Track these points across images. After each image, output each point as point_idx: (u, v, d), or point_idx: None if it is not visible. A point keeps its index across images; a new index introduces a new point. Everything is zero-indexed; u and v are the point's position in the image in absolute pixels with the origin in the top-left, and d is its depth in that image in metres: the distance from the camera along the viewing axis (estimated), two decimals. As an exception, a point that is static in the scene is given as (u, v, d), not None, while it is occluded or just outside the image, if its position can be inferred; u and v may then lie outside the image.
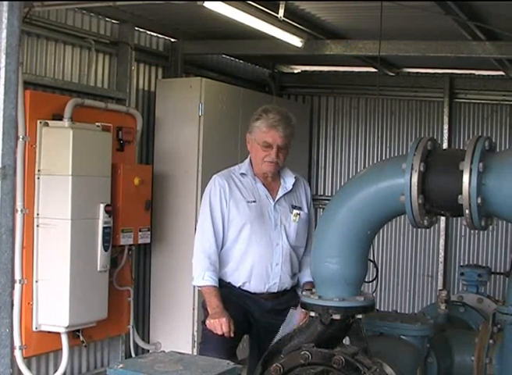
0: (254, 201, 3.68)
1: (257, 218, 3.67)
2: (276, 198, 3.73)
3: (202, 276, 3.60)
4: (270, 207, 3.71)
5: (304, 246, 3.80)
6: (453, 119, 7.35)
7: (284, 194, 3.75)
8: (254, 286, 3.66)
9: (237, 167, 3.81)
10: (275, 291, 3.69)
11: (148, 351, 5.87)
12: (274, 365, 2.75)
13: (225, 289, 3.66)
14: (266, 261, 3.65)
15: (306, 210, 3.81)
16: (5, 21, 1.97)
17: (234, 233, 3.66)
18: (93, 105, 5.19)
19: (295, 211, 3.74)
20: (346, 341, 2.86)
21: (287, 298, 3.72)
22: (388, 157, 7.47)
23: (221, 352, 3.35)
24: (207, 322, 3.54)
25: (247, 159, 3.80)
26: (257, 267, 3.64)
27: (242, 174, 3.74)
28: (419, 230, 7.21)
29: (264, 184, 3.74)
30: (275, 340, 3.01)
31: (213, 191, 3.69)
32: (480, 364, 3.41)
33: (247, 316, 3.71)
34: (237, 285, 3.68)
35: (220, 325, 3.46)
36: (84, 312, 4.85)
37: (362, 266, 2.81)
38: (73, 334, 4.92)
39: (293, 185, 3.78)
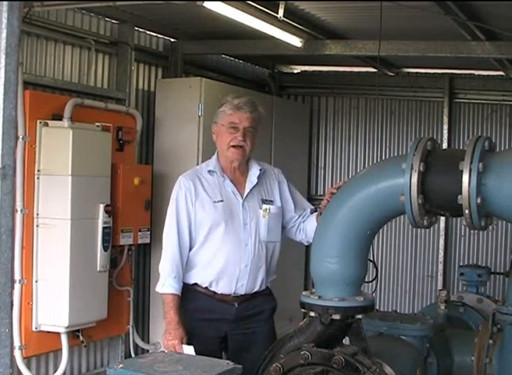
0: (222, 201, 3.57)
1: (224, 218, 3.55)
2: (244, 195, 3.61)
3: (163, 283, 3.57)
4: (238, 205, 3.60)
5: (279, 240, 3.69)
6: (452, 119, 7.35)
7: (252, 189, 3.63)
8: (222, 287, 3.56)
9: (204, 165, 3.73)
10: (243, 292, 3.57)
11: (148, 351, 5.87)
12: (274, 365, 2.75)
13: (191, 296, 3.58)
14: (235, 262, 3.54)
15: (278, 203, 3.68)
16: (4, 21, 1.97)
17: (202, 235, 3.56)
18: (93, 105, 5.19)
19: (264, 206, 3.61)
20: (346, 341, 2.86)
21: (256, 303, 3.63)
22: (388, 157, 7.48)
23: None
24: (162, 340, 3.51)
25: (214, 156, 3.72)
26: (226, 268, 3.53)
27: (209, 171, 3.65)
28: (419, 230, 7.21)
29: (232, 180, 3.63)
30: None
31: (179, 193, 3.59)
32: (480, 364, 3.41)
33: (219, 335, 3.61)
34: (204, 285, 3.57)
35: (173, 347, 3.44)
36: (84, 312, 4.85)
37: (362, 266, 2.81)
38: (73, 334, 4.91)
39: (260, 177, 3.66)
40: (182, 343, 3.47)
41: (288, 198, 3.75)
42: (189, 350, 3.42)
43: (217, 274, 3.55)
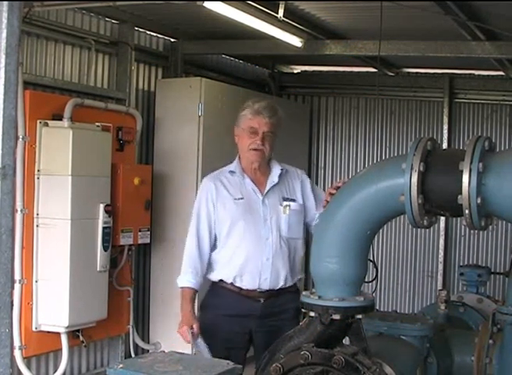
0: (242, 198, 3.71)
1: (245, 214, 3.69)
2: (264, 192, 3.73)
3: (181, 278, 3.73)
4: (258, 202, 3.72)
5: (302, 237, 3.80)
6: (452, 119, 7.35)
7: (273, 187, 3.75)
8: (246, 282, 3.66)
9: (227, 167, 3.85)
10: (267, 287, 3.66)
11: (148, 351, 5.87)
12: (274, 365, 2.75)
13: (217, 292, 3.71)
14: (257, 256, 3.65)
15: (300, 201, 3.78)
16: (4, 21, 1.97)
17: (224, 232, 3.70)
18: (93, 105, 5.19)
19: (285, 203, 3.72)
20: (346, 341, 2.86)
21: (283, 300, 3.69)
22: (388, 157, 7.47)
23: None
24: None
25: (236, 157, 3.85)
26: (249, 263, 3.65)
27: (231, 172, 3.78)
28: (419, 230, 7.21)
29: (252, 180, 3.76)
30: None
31: (202, 194, 3.78)
32: (480, 364, 3.41)
33: (245, 331, 3.71)
34: (229, 281, 3.69)
35: (183, 334, 3.60)
36: (84, 312, 4.86)
37: (362, 266, 2.81)
38: (73, 334, 4.92)
39: (281, 177, 3.78)
40: (192, 329, 3.59)
41: (309, 196, 3.84)
42: (200, 344, 3.55)
43: (239, 269, 3.66)
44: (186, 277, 3.70)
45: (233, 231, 3.69)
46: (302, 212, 3.79)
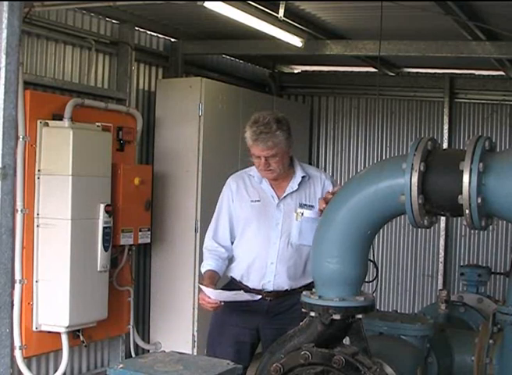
0: (258, 201, 3.74)
1: (258, 216, 3.72)
2: (281, 197, 3.74)
3: (202, 265, 3.80)
4: (273, 206, 3.73)
5: None
6: (453, 119, 7.35)
7: (291, 193, 3.74)
8: (251, 281, 3.72)
9: (248, 169, 3.86)
10: (271, 289, 3.68)
11: (148, 351, 5.88)
12: (274, 365, 2.75)
13: (228, 287, 3.73)
14: (262, 259, 3.69)
15: (318, 208, 3.71)
16: (5, 21, 1.98)
17: (239, 231, 3.77)
18: (93, 105, 5.19)
19: (299, 210, 3.71)
20: (347, 341, 2.86)
21: (292, 300, 3.66)
22: (388, 157, 7.47)
23: None
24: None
25: None
26: (254, 263, 3.70)
27: (250, 175, 3.81)
28: (419, 230, 7.21)
29: (271, 184, 3.77)
30: None
31: (225, 192, 3.85)
32: (480, 364, 3.41)
33: (251, 327, 3.73)
34: (238, 279, 3.77)
35: (203, 302, 3.53)
36: (84, 312, 4.86)
37: (362, 266, 2.81)
38: (73, 334, 4.92)
39: (302, 184, 3.75)
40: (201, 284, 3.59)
41: None
42: (207, 290, 3.50)
43: (246, 268, 3.72)
44: (207, 262, 3.76)
45: (246, 231, 3.74)
46: (317, 219, 3.66)
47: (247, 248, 3.75)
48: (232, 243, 3.80)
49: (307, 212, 3.72)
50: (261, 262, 3.69)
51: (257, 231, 3.72)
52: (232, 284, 3.78)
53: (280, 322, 3.67)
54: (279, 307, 3.71)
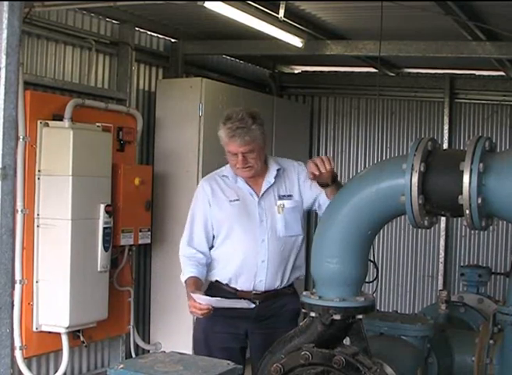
0: (238, 200, 3.66)
1: (240, 216, 3.64)
2: (260, 194, 3.67)
3: (182, 273, 3.68)
4: (254, 203, 3.66)
5: (301, 233, 3.71)
6: (453, 120, 7.34)
7: (269, 187, 3.68)
8: (241, 283, 3.63)
9: (220, 170, 3.80)
10: (263, 289, 3.62)
11: (149, 351, 5.88)
12: (274, 365, 2.75)
13: (213, 293, 3.61)
14: (252, 259, 3.61)
15: (297, 197, 3.69)
16: (5, 21, 1.98)
17: (222, 234, 3.66)
18: (93, 105, 5.19)
19: (279, 202, 3.65)
20: (347, 341, 2.86)
21: (279, 303, 3.66)
22: (388, 157, 7.48)
23: None
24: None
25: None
26: (244, 265, 3.61)
27: (224, 176, 3.73)
28: (419, 230, 7.20)
29: (247, 182, 3.69)
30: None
31: (198, 195, 3.75)
32: (480, 364, 3.41)
33: (240, 332, 3.67)
34: (224, 282, 3.66)
35: (191, 301, 3.46)
36: (84, 312, 4.86)
37: (362, 267, 2.81)
38: (74, 335, 4.92)
39: (278, 177, 3.69)
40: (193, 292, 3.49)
41: (307, 186, 3.71)
42: (203, 298, 3.44)
43: (235, 271, 3.63)
44: (187, 269, 3.65)
45: (230, 233, 3.64)
46: (299, 207, 3.71)
47: (233, 249, 3.64)
48: (210, 248, 3.70)
49: (287, 203, 3.67)
50: (252, 262, 3.61)
51: (243, 231, 3.63)
52: (214, 288, 3.68)
53: (268, 326, 3.63)
54: (268, 310, 3.65)
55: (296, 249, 3.71)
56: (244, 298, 3.57)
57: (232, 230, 3.64)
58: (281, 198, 3.68)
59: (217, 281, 3.69)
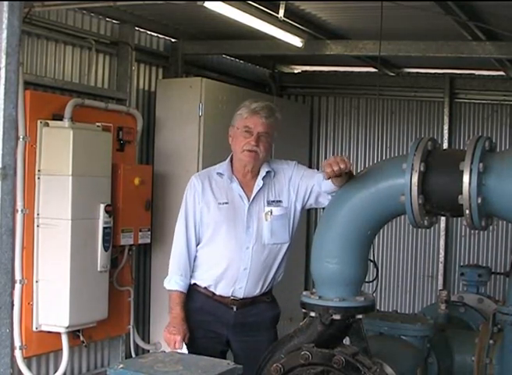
0: (227, 203, 3.56)
1: (227, 220, 3.54)
2: (251, 198, 3.58)
3: (169, 279, 3.61)
4: (244, 209, 3.56)
5: (288, 240, 3.59)
6: (453, 120, 7.34)
7: (258, 191, 3.58)
8: (220, 288, 3.55)
9: (218, 166, 3.71)
10: (241, 296, 3.54)
11: (148, 351, 5.87)
12: (274, 365, 2.75)
13: (191, 296, 3.60)
14: (235, 266, 3.52)
15: (286, 203, 3.59)
16: (5, 21, 1.97)
17: (206, 236, 3.57)
18: (93, 105, 5.19)
19: (267, 208, 3.56)
20: (347, 341, 2.86)
21: (257, 310, 3.59)
22: (388, 157, 7.48)
23: None
24: (163, 332, 3.55)
25: (228, 158, 3.70)
26: (226, 271, 3.53)
27: (219, 174, 3.64)
28: (419, 230, 7.20)
29: (240, 184, 3.60)
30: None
31: (189, 192, 3.65)
32: (480, 364, 3.41)
33: (220, 338, 3.61)
34: (203, 286, 3.58)
35: (173, 342, 3.48)
36: (84, 312, 4.85)
37: (362, 266, 2.82)
38: (73, 334, 4.91)
39: (267, 179, 3.60)
40: (184, 340, 3.49)
41: (307, 182, 3.59)
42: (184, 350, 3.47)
43: (217, 276, 3.55)
44: (175, 279, 3.58)
45: (215, 236, 3.55)
46: (287, 214, 3.60)
47: (217, 254, 3.55)
48: (197, 245, 3.61)
49: (275, 210, 3.57)
50: (234, 269, 3.52)
51: (228, 237, 3.52)
52: (192, 291, 3.60)
53: (248, 333, 3.57)
54: (245, 317, 3.57)
55: (280, 257, 3.61)
56: (221, 303, 3.54)
57: (217, 235, 3.55)
58: (269, 203, 3.58)
59: (195, 284, 3.61)
